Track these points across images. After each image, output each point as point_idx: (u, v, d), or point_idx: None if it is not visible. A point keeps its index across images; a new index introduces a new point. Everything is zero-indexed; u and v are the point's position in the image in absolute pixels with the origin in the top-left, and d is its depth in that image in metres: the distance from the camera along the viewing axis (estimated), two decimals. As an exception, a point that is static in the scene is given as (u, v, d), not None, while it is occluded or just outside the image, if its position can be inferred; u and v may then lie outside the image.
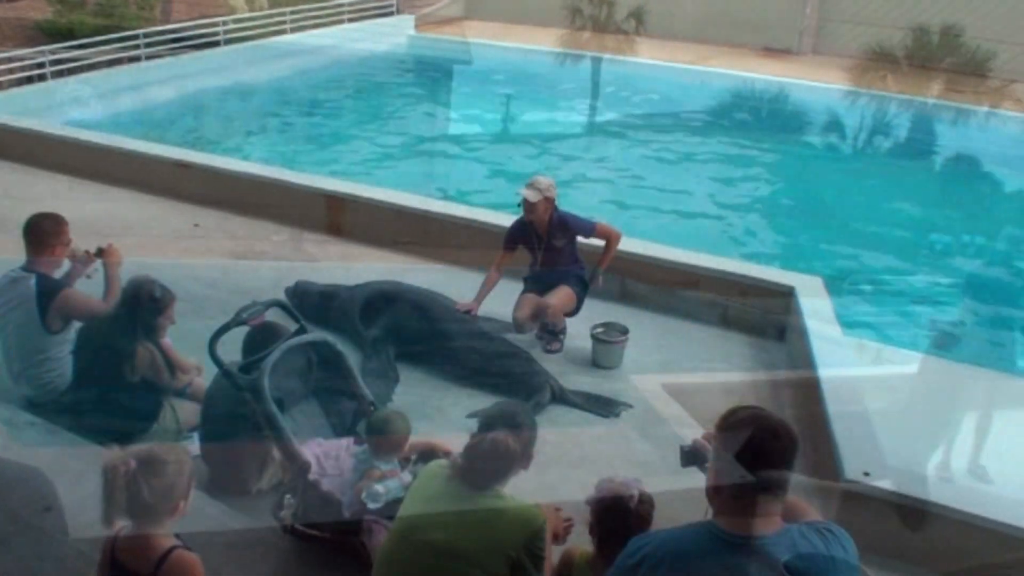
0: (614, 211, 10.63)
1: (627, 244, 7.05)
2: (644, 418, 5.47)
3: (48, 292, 4.82)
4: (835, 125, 14.56)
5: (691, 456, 2.77)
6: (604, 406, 5.54)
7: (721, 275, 6.77)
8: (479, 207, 8.18)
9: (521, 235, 6.07)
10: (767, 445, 2.34)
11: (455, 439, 3.74)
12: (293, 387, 4.30)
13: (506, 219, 7.50)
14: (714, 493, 2.43)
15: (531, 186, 5.93)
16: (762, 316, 6.62)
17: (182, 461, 2.81)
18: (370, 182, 9.96)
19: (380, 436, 3.86)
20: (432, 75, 17.48)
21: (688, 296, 6.86)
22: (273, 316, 4.46)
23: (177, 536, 2.83)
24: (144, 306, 4.59)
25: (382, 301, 6.10)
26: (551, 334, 6.21)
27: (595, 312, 6.21)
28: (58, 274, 4.99)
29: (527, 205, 5.91)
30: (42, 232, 4.92)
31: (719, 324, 6.73)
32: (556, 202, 5.97)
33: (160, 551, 2.74)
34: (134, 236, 8.00)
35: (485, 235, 7.39)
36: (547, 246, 5.97)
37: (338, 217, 8.20)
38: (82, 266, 5.04)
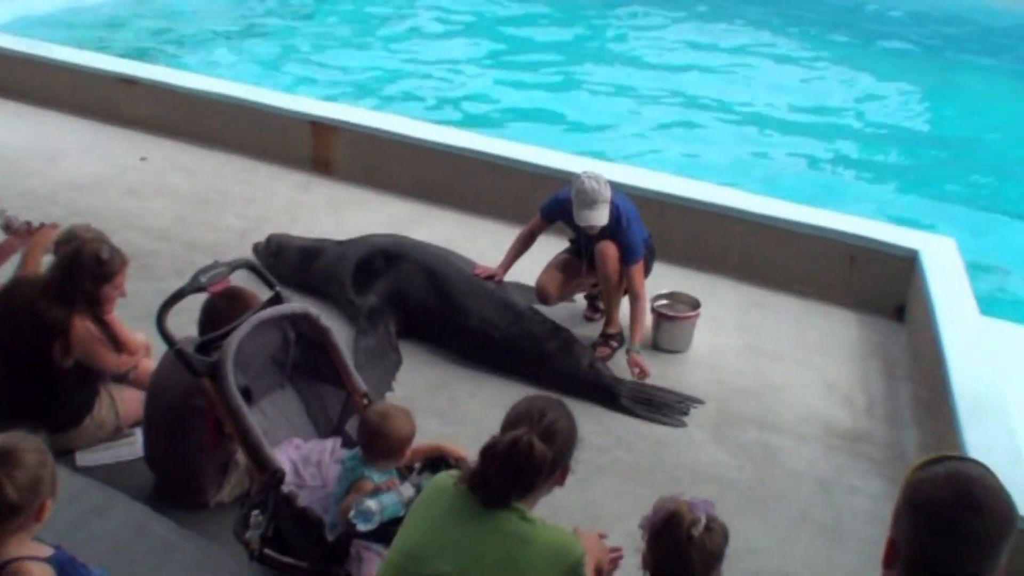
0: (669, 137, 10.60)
1: (698, 191, 7.16)
2: (718, 418, 5.50)
3: None
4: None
5: None
6: (665, 406, 5.53)
7: (824, 233, 6.71)
8: (512, 142, 8.17)
9: (565, 217, 5.91)
10: (965, 522, 2.15)
11: (472, 442, 3.67)
12: (265, 372, 4.29)
13: (542, 155, 7.56)
14: (884, 570, 2.30)
15: (591, 204, 5.56)
16: (876, 287, 6.59)
17: (42, 450, 2.95)
18: (368, 106, 9.97)
19: (375, 437, 3.85)
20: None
21: (781, 260, 6.81)
22: (240, 280, 4.43)
23: (58, 547, 2.93)
24: (87, 271, 4.52)
25: (381, 261, 6.08)
26: (593, 307, 6.33)
27: (658, 278, 6.15)
28: None
29: (588, 230, 5.69)
30: None
31: (820, 297, 6.70)
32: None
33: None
34: (62, 172, 8.08)
35: (517, 177, 7.37)
36: (596, 237, 5.84)
37: (327, 151, 8.22)
38: (18, 240, 5.06)
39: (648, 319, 5.92)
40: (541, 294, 6.00)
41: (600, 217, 5.61)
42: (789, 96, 12.20)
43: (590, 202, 5.58)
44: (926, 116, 12.06)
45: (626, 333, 5.99)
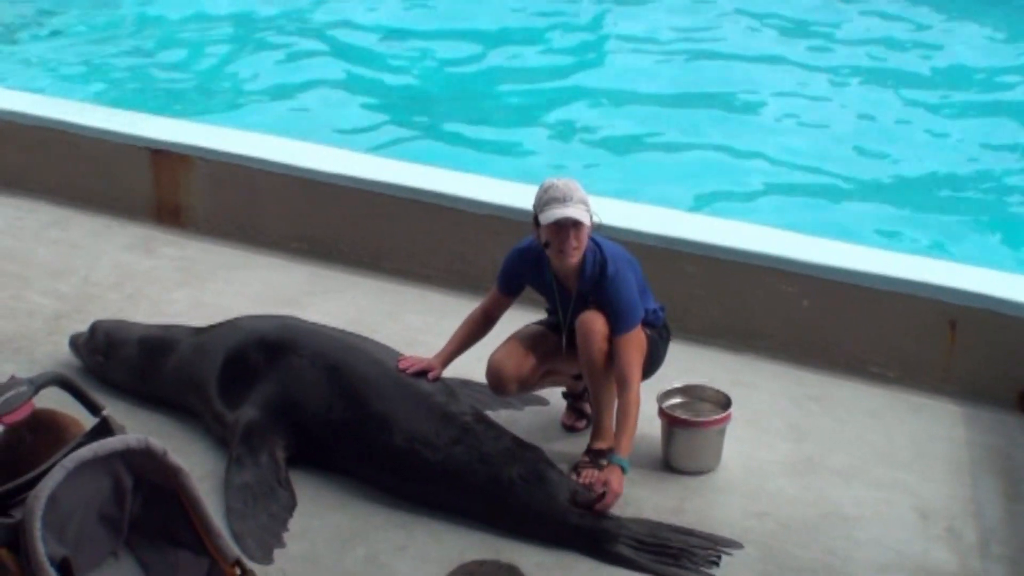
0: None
1: (726, 234, 7.22)
2: (763, 569, 5.41)
3: None
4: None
5: None
6: (685, 554, 5.41)
7: (912, 289, 6.73)
8: (451, 171, 8.20)
9: (531, 275, 5.97)
10: None
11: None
12: (91, 537, 4.19)
13: (497, 189, 7.70)
14: None
15: (564, 199, 5.57)
16: (990, 366, 6.62)
17: None
18: (234, 124, 10.18)
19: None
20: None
21: (849, 331, 6.89)
22: (49, 400, 4.37)
23: None
24: None
25: (261, 355, 6.06)
26: (576, 411, 6.31)
27: (671, 365, 6.14)
28: None
29: (562, 239, 5.61)
30: None
31: (907, 383, 6.77)
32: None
33: None
34: None
35: (462, 221, 7.49)
36: (577, 299, 5.89)
37: (176, 192, 8.32)
38: None
39: (650, 421, 5.87)
40: (495, 377, 5.93)
41: (577, 212, 5.54)
42: (845, 90, 12.63)
43: (562, 197, 5.56)
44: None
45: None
